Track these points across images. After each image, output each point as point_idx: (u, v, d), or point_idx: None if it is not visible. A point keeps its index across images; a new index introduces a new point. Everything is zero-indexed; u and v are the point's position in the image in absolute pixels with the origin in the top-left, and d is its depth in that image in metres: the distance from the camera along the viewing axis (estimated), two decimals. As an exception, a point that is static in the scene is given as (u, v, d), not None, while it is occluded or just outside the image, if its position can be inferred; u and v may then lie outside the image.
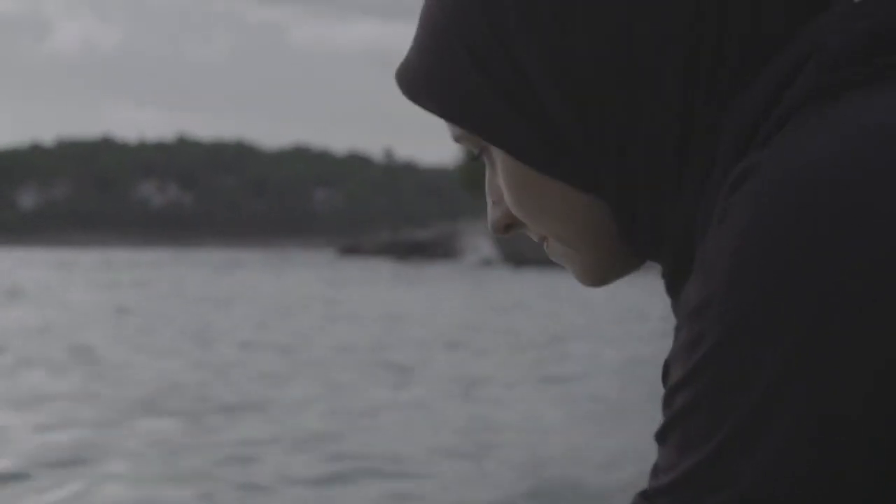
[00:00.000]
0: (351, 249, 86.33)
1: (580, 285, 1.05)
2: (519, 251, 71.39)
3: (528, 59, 0.97)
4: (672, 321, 0.95)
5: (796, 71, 0.92)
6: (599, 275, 1.05)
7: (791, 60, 0.93)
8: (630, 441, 8.83)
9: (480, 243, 75.41)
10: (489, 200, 1.07)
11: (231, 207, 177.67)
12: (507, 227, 1.07)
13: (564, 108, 0.97)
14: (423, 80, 1.02)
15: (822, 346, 0.83)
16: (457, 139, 1.04)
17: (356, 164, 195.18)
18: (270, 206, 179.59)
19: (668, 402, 0.89)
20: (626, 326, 20.73)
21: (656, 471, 0.91)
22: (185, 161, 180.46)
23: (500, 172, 1.03)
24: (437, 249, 77.15)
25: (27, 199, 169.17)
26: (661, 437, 0.90)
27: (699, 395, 0.86)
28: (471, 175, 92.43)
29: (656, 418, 0.92)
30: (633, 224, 1.00)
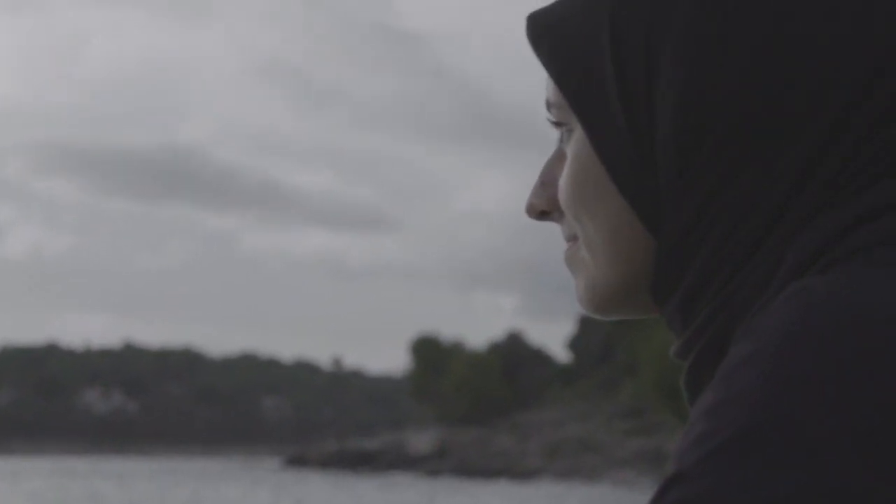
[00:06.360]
0: (297, 459, 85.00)
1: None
2: (466, 462, 70.30)
3: (664, 74, 0.93)
4: None
5: (887, 209, 0.89)
6: (604, 302, 1.00)
7: (886, 195, 0.90)
8: None
9: (428, 453, 74.32)
10: (538, 180, 1.02)
11: (177, 415, 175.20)
12: (542, 214, 1.03)
13: (674, 137, 0.93)
14: (556, 35, 0.98)
15: (830, 480, 0.79)
16: (549, 105, 1.00)
17: (304, 371, 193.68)
18: (217, 414, 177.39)
19: (662, 491, 0.83)
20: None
21: None
22: (131, 368, 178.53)
23: (570, 155, 0.98)
24: (385, 459, 76.08)
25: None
26: None
27: (692, 494, 0.81)
28: (418, 383, 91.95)
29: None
30: (671, 280, 0.96)
